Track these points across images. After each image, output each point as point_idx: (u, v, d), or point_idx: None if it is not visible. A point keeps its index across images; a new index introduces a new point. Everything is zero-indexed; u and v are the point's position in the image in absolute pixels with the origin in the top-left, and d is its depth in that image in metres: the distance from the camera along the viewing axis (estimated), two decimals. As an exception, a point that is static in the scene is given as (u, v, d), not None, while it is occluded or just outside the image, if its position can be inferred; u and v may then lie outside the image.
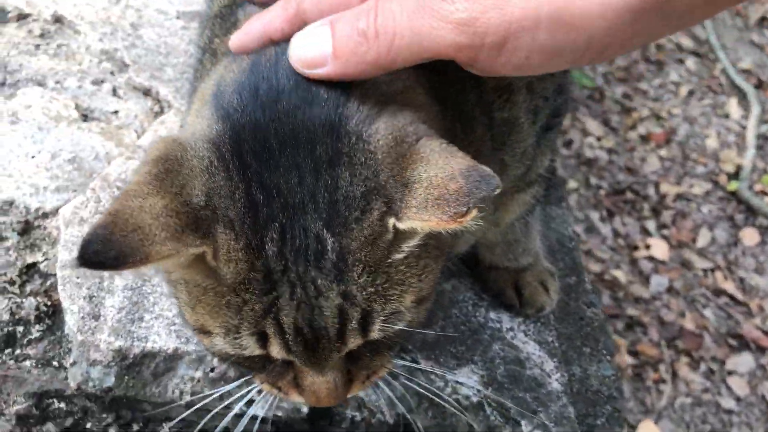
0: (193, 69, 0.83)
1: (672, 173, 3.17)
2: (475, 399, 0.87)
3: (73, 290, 0.84)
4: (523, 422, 0.86)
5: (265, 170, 0.60)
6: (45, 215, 0.94)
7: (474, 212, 0.54)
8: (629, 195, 3.03)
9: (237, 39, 0.69)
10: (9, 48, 1.16)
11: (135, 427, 0.84)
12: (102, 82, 1.16)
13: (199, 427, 0.79)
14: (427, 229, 0.58)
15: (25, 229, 0.93)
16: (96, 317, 0.83)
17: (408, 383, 0.83)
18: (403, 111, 0.63)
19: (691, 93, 3.49)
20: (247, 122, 0.61)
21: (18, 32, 1.21)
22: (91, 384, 0.80)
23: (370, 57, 0.60)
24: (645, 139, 3.27)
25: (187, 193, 0.60)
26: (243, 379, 0.80)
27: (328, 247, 0.60)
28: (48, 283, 0.89)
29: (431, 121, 0.65)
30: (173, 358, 0.82)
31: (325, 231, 0.60)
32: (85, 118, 1.09)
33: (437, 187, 0.56)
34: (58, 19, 1.24)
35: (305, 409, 0.85)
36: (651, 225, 2.95)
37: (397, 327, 0.64)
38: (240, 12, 0.77)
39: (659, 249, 2.85)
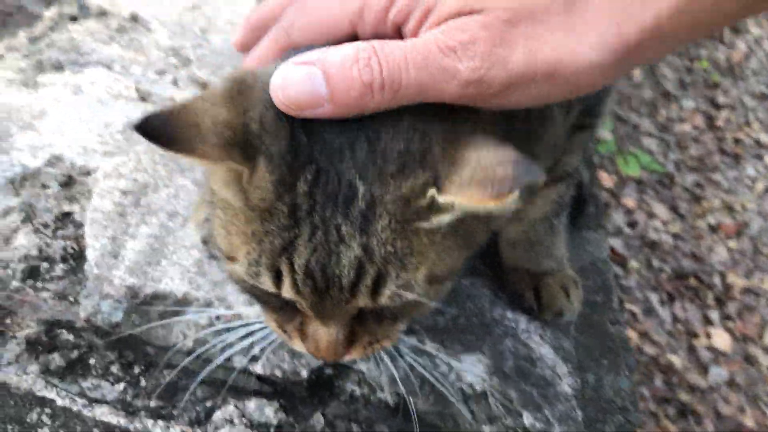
0: None
1: (741, 266, 3.05)
2: (479, 388, 0.85)
3: (98, 230, 0.88)
4: (524, 413, 0.82)
5: None
6: (88, 173, 0.99)
7: (516, 193, 0.56)
8: (693, 282, 2.93)
9: (239, 39, 0.76)
10: (85, 36, 1.25)
11: (136, 369, 0.85)
12: (165, 72, 1.23)
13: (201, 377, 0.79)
14: (465, 205, 0.60)
15: (68, 182, 0.98)
16: (115, 256, 0.86)
17: (412, 363, 0.82)
18: (460, 112, 0.65)
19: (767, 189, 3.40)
20: None
21: (97, 25, 1.30)
22: (100, 317, 0.82)
23: (372, 105, 0.61)
24: (714, 229, 3.18)
25: (249, 117, 0.63)
26: (245, 330, 0.81)
27: (359, 194, 0.62)
28: (79, 231, 0.93)
29: (483, 123, 0.68)
30: (182, 303, 0.84)
31: (358, 178, 0.62)
32: (143, 99, 1.15)
33: (485, 169, 0.59)
34: (134, 18, 1.33)
35: (305, 373, 0.84)
36: (714, 315, 2.83)
37: (405, 297, 0.65)
38: None
39: (721, 340, 2.73)
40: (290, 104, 0.62)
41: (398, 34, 0.65)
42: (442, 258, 0.66)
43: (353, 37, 0.66)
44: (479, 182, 0.58)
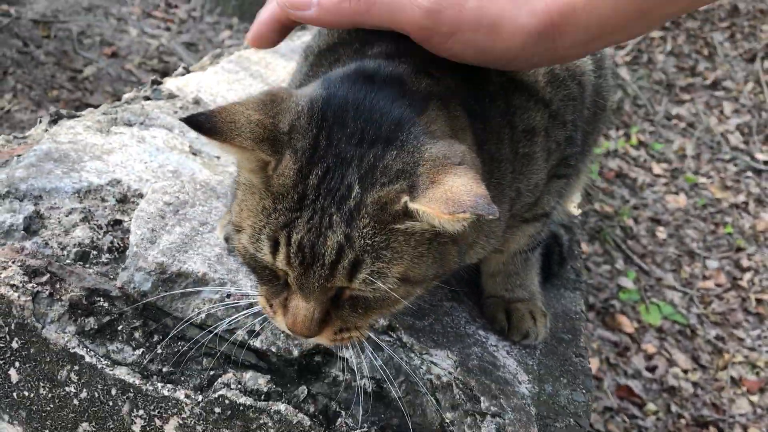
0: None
1: (763, 421, 3.03)
2: (445, 379, 0.97)
3: (141, 223, 1.07)
4: (482, 398, 0.94)
5: (336, 126, 0.81)
6: (140, 195, 1.19)
7: (467, 216, 0.71)
8: (712, 431, 2.91)
9: (251, 34, 0.92)
10: (155, 108, 1.51)
11: (155, 337, 1.00)
12: (215, 139, 1.46)
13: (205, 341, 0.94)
14: (428, 214, 0.74)
15: (123, 199, 1.18)
16: (152, 242, 1.04)
17: (391, 354, 0.96)
18: (459, 144, 0.82)
19: (792, 351, 3.41)
20: (341, 94, 0.83)
21: (165, 104, 1.56)
22: (132, 286, 0.99)
23: (347, 13, 0.80)
24: (736, 382, 3.18)
25: (278, 120, 0.81)
26: (251, 308, 0.96)
27: (353, 195, 0.78)
28: (127, 236, 1.12)
29: (474, 157, 0.83)
30: (200, 282, 1.00)
31: (356, 183, 0.78)
32: (194, 154, 1.38)
33: (454, 193, 0.73)
34: (197, 101, 1.59)
35: (296, 353, 0.98)
36: (734, 466, 2.79)
37: (378, 285, 0.79)
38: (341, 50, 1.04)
39: (741, 491, 2.68)
40: (287, 3, 0.82)
41: None
42: (415, 263, 0.80)
43: None
44: (445, 200, 0.73)
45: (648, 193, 4.17)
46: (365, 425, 0.96)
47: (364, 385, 0.98)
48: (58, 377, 0.99)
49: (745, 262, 3.81)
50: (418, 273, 0.81)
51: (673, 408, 2.95)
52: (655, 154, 4.52)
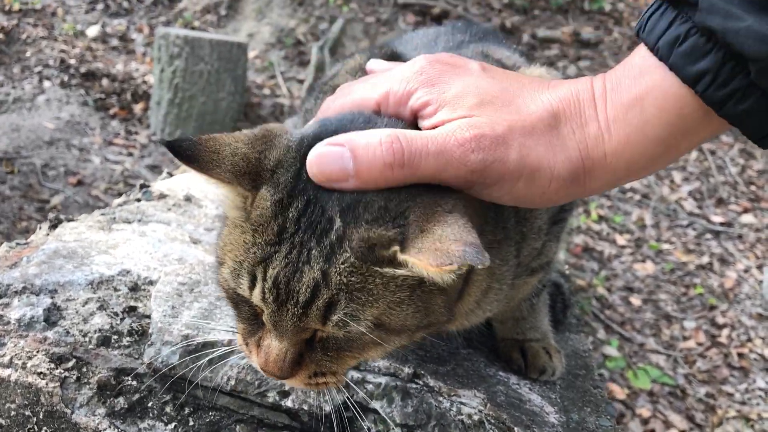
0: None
1: (767, 473, 3.02)
2: (476, 417, 0.99)
3: (161, 302, 1.09)
4: (516, 428, 0.96)
5: None
6: (150, 282, 1.22)
7: (454, 268, 0.69)
8: (720, 488, 2.89)
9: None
10: (149, 207, 1.55)
11: (186, 410, 1.00)
12: (212, 230, 1.50)
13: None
14: (416, 268, 0.72)
15: (134, 287, 1.20)
16: (174, 317, 1.06)
17: (420, 400, 0.98)
18: (451, 192, 0.80)
19: (781, 401, 3.44)
20: (332, 129, 0.82)
21: (157, 203, 1.61)
22: (160, 360, 1.00)
23: (392, 181, 0.77)
24: (734, 437, 3.19)
25: (264, 156, 0.81)
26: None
27: (334, 228, 0.76)
28: (143, 321, 1.13)
29: (468, 204, 0.81)
30: (227, 349, 1.02)
31: (338, 216, 0.77)
32: (194, 242, 1.42)
33: (443, 242, 0.72)
34: (188, 199, 1.64)
35: (328, 408, 0.99)
36: None
37: (351, 328, 0.76)
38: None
39: None
40: (322, 176, 0.77)
41: (414, 117, 0.82)
42: (392, 309, 0.78)
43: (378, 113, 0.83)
44: (433, 251, 0.71)
45: (616, 264, 4.28)
46: (404, 473, 0.97)
47: (398, 433, 0.99)
48: (90, 462, 0.98)
49: (720, 320, 3.89)
50: (396, 320, 0.79)
51: (678, 469, 2.94)
52: (616, 226, 4.67)
